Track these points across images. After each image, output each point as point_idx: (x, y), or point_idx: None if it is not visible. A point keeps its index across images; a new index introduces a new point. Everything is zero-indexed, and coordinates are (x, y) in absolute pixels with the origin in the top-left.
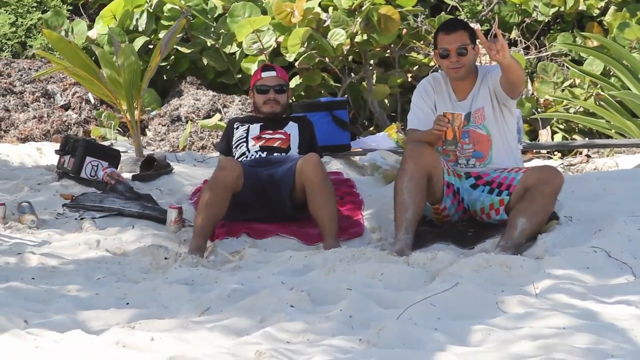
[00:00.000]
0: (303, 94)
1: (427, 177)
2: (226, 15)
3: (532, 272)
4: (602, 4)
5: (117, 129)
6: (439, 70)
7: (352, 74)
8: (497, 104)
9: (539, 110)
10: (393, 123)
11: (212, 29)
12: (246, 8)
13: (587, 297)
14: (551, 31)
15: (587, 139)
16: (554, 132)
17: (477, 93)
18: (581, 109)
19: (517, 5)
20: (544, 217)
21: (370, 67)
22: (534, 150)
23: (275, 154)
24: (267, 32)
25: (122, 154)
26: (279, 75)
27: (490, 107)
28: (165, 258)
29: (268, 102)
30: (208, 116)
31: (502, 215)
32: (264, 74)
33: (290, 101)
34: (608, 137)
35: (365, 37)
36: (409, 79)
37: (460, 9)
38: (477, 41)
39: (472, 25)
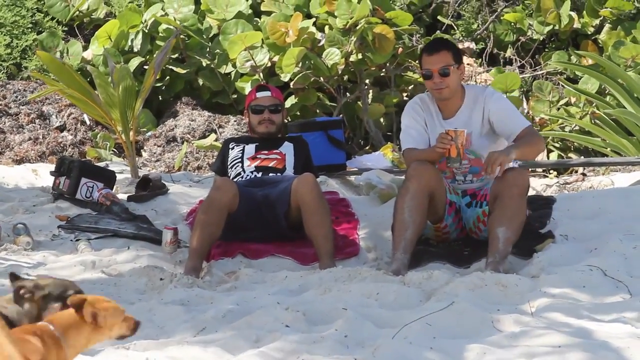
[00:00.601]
0: (298, 113)
1: (429, 197)
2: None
3: (527, 291)
4: (597, 22)
5: (112, 150)
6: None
7: (348, 93)
8: (489, 130)
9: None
10: (389, 142)
11: (208, 49)
12: (238, 25)
13: (582, 315)
14: (546, 49)
15: (582, 157)
16: (549, 151)
17: (467, 116)
18: (577, 128)
19: (512, 24)
20: (520, 220)
21: (366, 87)
22: (530, 169)
23: (270, 174)
24: (260, 50)
25: (117, 175)
26: (274, 95)
27: (478, 133)
28: (161, 279)
29: (263, 122)
30: (203, 136)
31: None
32: (258, 94)
33: (286, 121)
34: (604, 155)
35: (360, 56)
36: (405, 98)
37: (456, 28)
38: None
39: (467, 44)
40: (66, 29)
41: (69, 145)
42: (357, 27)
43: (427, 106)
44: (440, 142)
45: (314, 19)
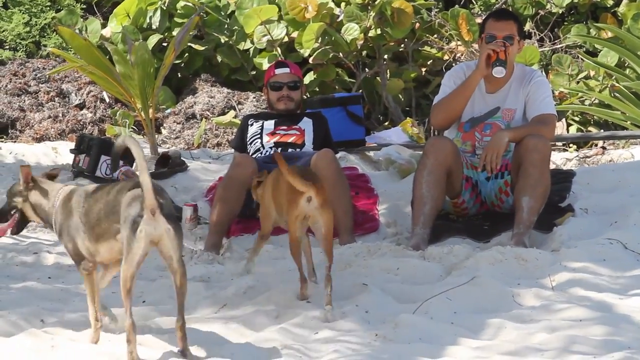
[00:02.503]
0: (317, 89)
1: (446, 172)
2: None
3: (548, 265)
4: None
5: (132, 127)
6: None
7: (366, 68)
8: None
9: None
10: (408, 117)
11: (226, 26)
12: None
13: (603, 289)
14: (565, 23)
15: (602, 130)
16: (569, 125)
17: (512, 92)
18: (596, 101)
19: None
20: (544, 188)
21: (384, 62)
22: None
23: (289, 150)
24: (277, 24)
25: None
26: (293, 72)
27: (521, 111)
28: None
29: (282, 99)
30: (223, 113)
31: (512, 197)
32: (277, 71)
33: (305, 97)
34: (623, 128)
35: (378, 31)
36: (423, 73)
37: (474, 2)
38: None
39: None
40: (84, 6)
41: (89, 123)
42: (376, 2)
43: None
44: (494, 45)
45: None
